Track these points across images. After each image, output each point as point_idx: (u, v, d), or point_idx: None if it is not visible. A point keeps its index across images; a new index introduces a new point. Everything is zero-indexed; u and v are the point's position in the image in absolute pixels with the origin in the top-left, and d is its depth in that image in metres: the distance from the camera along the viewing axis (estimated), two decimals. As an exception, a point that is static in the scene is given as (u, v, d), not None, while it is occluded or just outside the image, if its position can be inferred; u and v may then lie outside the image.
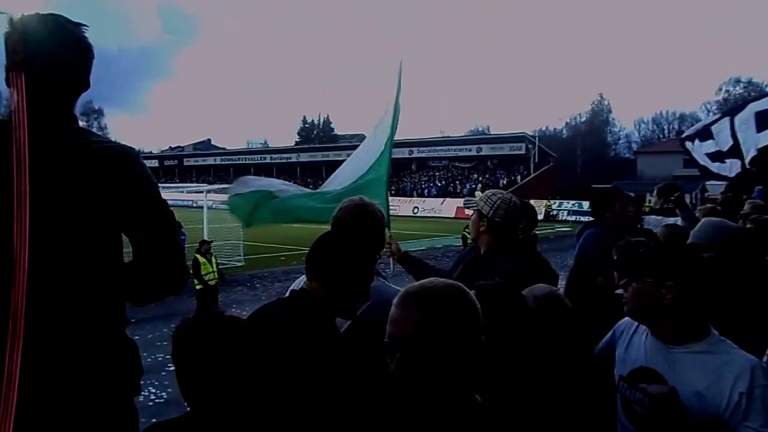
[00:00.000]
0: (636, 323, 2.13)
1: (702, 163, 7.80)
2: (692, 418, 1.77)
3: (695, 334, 1.91)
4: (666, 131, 66.36)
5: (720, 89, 61.99)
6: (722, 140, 7.48)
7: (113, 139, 1.84)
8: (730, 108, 9.25)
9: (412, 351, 1.20)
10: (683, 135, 8.79)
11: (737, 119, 7.41)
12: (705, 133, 7.86)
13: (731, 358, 1.83)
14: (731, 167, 7.39)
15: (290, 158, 61.60)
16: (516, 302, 2.05)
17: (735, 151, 7.24)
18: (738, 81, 60.73)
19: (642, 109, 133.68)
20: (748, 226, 4.22)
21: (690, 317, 1.92)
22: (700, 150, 7.89)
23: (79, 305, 1.60)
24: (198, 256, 10.94)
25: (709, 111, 62.34)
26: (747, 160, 6.94)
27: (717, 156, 7.55)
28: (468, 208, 3.27)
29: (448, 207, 41.80)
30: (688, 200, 5.77)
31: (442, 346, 1.20)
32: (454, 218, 37.37)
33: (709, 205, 6.52)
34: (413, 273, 3.48)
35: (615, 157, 64.42)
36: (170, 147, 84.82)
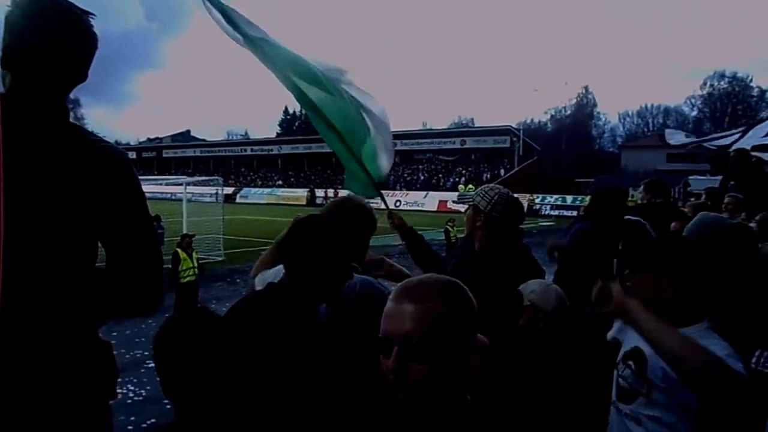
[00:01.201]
0: None
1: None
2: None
3: (687, 323, 1.97)
4: (651, 125, 66.94)
5: (705, 84, 62.90)
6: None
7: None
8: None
9: (410, 348, 1.17)
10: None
11: None
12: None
13: (707, 343, 1.85)
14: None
15: (271, 150, 61.05)
16: None
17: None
18: (723, 75, 61.87)
19: (627, 102, 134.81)
20: (751, 223, 4.28)
21: (689, 310, 1.99)
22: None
23: (50, 307, 1.53)
24: (179, 250, 10.62)
25: (693, 105, 63.27)
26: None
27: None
28: (463, 203, 3.20)
29: (431, 200, 41.82)
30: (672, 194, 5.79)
31: (439, 344, 1.17)
32: (437, 212, 37.36)
33: (696, 200, 6.92)
34: (412, 248, 3.55)
35: (599, 151, 64.87)
36: (149, 138, 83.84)
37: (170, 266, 10.64)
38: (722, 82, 61.49)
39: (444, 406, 1.21)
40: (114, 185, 1.60)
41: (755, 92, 58.46)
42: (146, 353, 8.04)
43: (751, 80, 59.80)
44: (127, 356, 7.68)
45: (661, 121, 65.36)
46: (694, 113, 63.09)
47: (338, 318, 2.09)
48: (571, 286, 2.75)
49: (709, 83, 62.20)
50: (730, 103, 59.65)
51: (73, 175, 1.53)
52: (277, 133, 79.61)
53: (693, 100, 63.85)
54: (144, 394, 6.57)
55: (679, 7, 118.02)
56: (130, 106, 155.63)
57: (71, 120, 1.65)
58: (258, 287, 2.55)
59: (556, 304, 2.56)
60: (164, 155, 69.21)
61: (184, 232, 12.55)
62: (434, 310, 1.19)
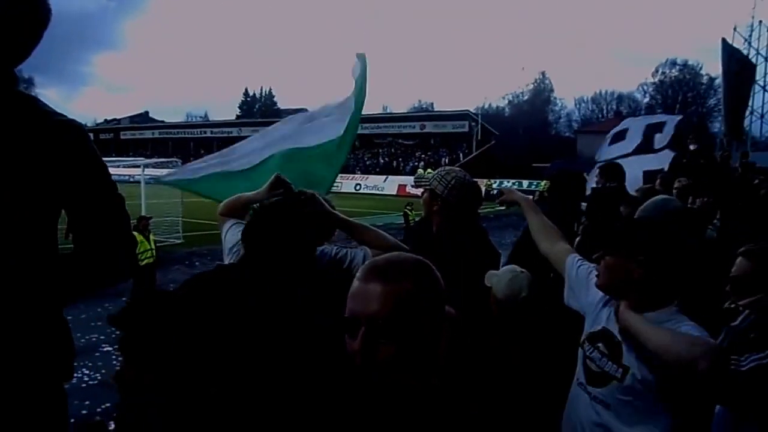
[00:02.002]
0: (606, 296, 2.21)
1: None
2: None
3: (657, 306, 2.01)
4: (605, 111, 67.98)
5: (657, 71, 63.91)
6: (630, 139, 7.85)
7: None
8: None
9: (377, 329, 1.13)
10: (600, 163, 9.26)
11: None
12: (615, 138, 8.17)
13: (677, 325, 1.92)
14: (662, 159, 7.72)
15: (231, 132, 59.84)
16: None
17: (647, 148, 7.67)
18: (674, 63, 62.69)
19: (582, 87, 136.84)
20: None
21: (657, 291, 2.01)
22: (611, 153, 7.98)
23: (11, 282, 1.49)
24: (135, 233, 10.34)
25: (645, 92, 64.35)
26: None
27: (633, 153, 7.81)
28: (419, 186, 3.15)
29: (390, 184, 41.84)
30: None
31: (408, 324, 1.14)
32: (396, 195, 37.40)
33: (648, 185, 6.60)
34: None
35: (556, 136, 65.30)
36: (105, 120, 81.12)
37: None
38: (674, 70, 62.62)
39: (411, 388, 1.18)
40: (71, 156, 1.55)
41: (705, 80, 59.73)
42: (102, 337, 7.99)
43: (701, 68, 61.11)
44: (83, 340, 7.58)
45: (614, 107, 66.26)
46: (646, 100, 64.37)
47: (312, 298, 2.02)
48: (527, 267, 2.80)
49: (660, 71, 63.38)
50: (681, 90, 60.99)
51: (23, 145, 1.48)
52: (237, 115, 78.23)
53: (645, 87, 64.75)
54: (99, 378, 6.51)
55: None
56: (86, 87, 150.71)
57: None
58: (224, 237, 2.64)
59: (507, 293, 2.63)
60: (122, 137, 67.51)
61: (142, 214, 12.29)
62: (402, 289, 1.15)
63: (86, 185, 1.59)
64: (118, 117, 79.69)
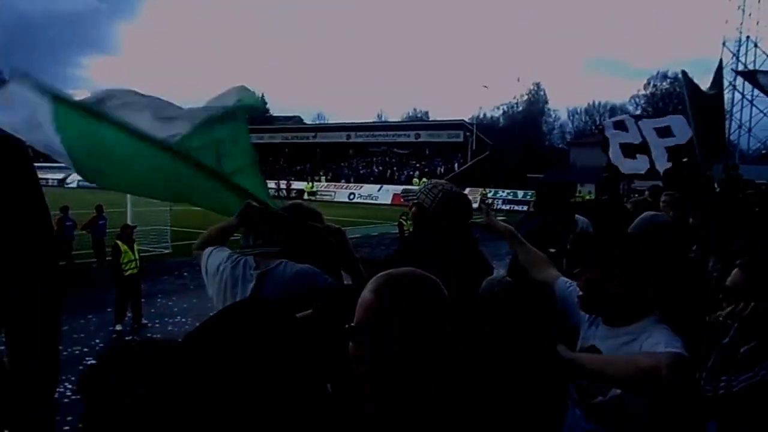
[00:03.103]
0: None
1: (613, 161, 8.27)
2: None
3: (636, 318, 2.04)
4: (598, 122, 68.22)
5: (648, 83, 64.56)
6: (633, 134, 8.21)
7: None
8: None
9: (384, 340, 1.17)
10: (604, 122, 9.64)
11: (642, 122, 8.43)
12: (620, 126, 8.55)
13: (649, 336, 1.94)
14: (640, 164, 8.05)
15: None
16: None
17: (644, 148, 8.07)
18: (665, 76, 63.72)
19: (576, 99, 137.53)
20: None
21: (638, 305, 2.04)
22: (616, 139, 8.38)
23: None
24: (119, 242, 10.17)
25: (637, 104, 65.03)
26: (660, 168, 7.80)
27: (628, 149, 8.18)
28: (408, 200, 3.10)
29: (385, 194, 41.74)
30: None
31: (415, 336, 1.18)
32: (390, 205, 37.20)
33: (638, 197, 7.01)
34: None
35: (550, 147, 65.78)
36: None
37: (110, 258, 10.42)
38: (664, 83, 63.52)
39: (413, 394, 1.20)
40: (15, 170, 1.63)
41: (695, 92, 60.39)
42: (85, 349, 7.94)
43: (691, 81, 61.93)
44: (65, 353, 7.47)
45: (607, 119, 66.61)
46: (638, 112, 64.83)
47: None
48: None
49: (652, 83, 64.13)
50: (671, 102, 61.66)
51: None
52: (228, 122, 77.88)
53: (637, 99, 65.69)
54: None
55: (626, 7, 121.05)
56: (74, 90, 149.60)
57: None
58: (205, 265, 2.71)
59: (482, 289, 2.61)
60: (108, 143, 66.84)
61: (128, 223, 12.12)
62: (409, 304, 1.19)
63: (13, 204, 1.63)
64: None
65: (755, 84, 9.83)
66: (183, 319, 9.98)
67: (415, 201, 2.96)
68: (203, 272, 2.77)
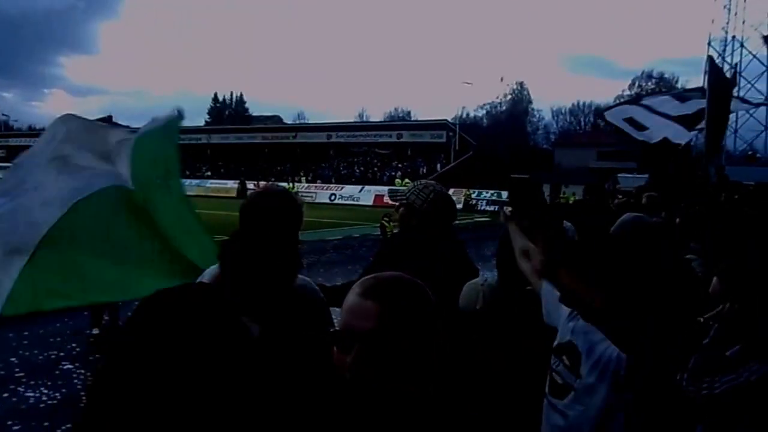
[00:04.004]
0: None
1: (626, 130, 8.27)
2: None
3: None
4: (582, 123, 68.87)
5: (633, 83, 65.22)
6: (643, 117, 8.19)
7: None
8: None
9: (372, 346, 1.15)
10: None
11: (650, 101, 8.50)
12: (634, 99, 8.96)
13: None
14: (653, 134, 8.01)
15: (200, 139, 58.91)
16: None
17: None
18: (650, 76, 64.67)
19: (560, 99, 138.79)
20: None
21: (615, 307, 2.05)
22: (622, 114, 8.46)
23: None
24: None
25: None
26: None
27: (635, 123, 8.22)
28: (396, 200, 3.07)
29: (366, 195, 41.58)
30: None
31: (404, 341, 1.16)
32: (372, 206, 37.19)
33: (621, 198, 7.31)
34: None
35: (534, 148, 65.99)
36: (67, 125, 79.36)
37: None
38: (650, 83, 64.29)
39: (406, 397, 1.19)
40: None
41: (680, 93, 60.91)
42: (61, 353, 7.61)
43: (677, 81, 62.38)
44: (41, 357, 7.21)
45: (591, 120, 67.52)
46: (623, 112, 65.16)
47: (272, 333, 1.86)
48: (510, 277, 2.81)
49: (637, 83, 64.67)
50: (657, 103, 62.09)
51: None
52: (205, 121, 77.48)
53: (621, 99, 65.81)
54: (59, 397, 6.05)
55: (611, 5, 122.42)
56: (50, 89, 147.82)
57: None
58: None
59: (462, 303, 2.68)
60: (84, 142, 65.66)
61: None
62: (399, 308, 1.18)
63: None
64: (80, 121, 77.96)
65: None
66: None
67: (404, 201, 2.93)
68: None
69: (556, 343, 2.33)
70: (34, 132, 79.01)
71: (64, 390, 6.24)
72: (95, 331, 8.94)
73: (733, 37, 52.45)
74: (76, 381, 6.50)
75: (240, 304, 1.70)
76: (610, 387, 2.05)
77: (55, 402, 5.99)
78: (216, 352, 1.57)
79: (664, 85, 62.69)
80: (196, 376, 1.53)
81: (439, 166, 46.61)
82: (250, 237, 1.77)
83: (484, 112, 70.62)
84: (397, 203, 3.05)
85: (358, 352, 1.16)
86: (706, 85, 8.20)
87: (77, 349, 7.98)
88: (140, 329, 1.57)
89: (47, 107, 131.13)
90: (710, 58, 8.73)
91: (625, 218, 3.34)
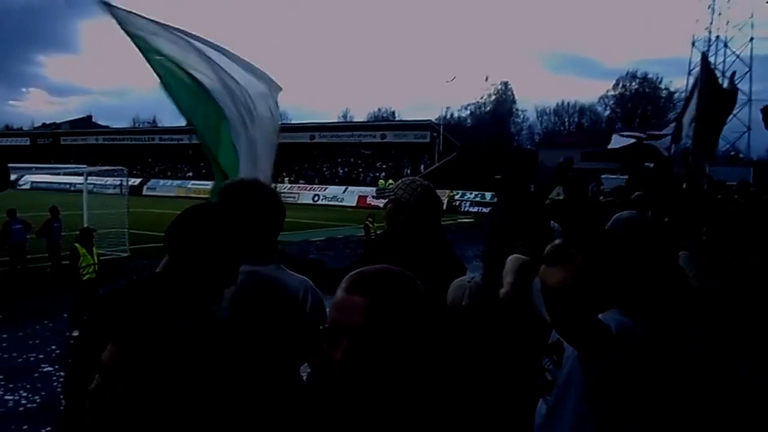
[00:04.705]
0: None
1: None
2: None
3: (601, 311, 2.07)
4: (567, 123, 68.93)
5: (617, 83, 65.15)
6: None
7: None
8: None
9: (360, 341, 1.15)
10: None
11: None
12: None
13: (604, 317, 2.00)
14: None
15: (182, 140, 58.31)
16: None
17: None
18: (634, 76, 64.32)
19: (545, 99, 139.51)
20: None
21: (602, 299, 2.08)
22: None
23: None
24: (78, 245, 9.74)
25: (606, 105, 65.51)
26: None
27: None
28: (382, 197, 3.12)
29: (350, 195, 41.50)
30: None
31: (393, 337, 1.16)
32: (356, 207, 37.21)
33: (604, 198, 7.42)
34: None
35: (518, 148, 65.54)
36: (44, 124, 77.92)
37: (68, 262, 10.01)
38: (633, 83, 64.02)
39: (390, 401, 1.19)
40: None
41: (664, 93, 61.21)
42: (41, 356, 7.60)
43: (660, 81, 62.52)
44: (20, 360, 7.24)
45: (576, 120, 67.63)
46: (607, 113, 65.41)
47: (239, 317, 2.01)
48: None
49: (621, 83, 64.62)
50: (641, 103, 62.22)
51: None
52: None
53: (606, 100, 65.83)
54: (38, 400, 6.06)
55: (597, 5, 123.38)
56: (29, 88, 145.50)
57: None
58: None
59: (450, 299, 2.69)
60: (62, 142, 64.42)
61: (85, 225, 11.75)
62: (386, 302, 1.17)
63: None
64: (57, 121, 76.85)
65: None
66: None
67: (392, 197, 2.95)
68: None
69: (549, 342, 2.36)
70: (10, 131, 78.03)
71: (43, 393, 6.19)
72: (75, 333, 8.84)
73: (717, 37, 52.91)
74: (56, 384, 6.44)
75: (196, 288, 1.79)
76: (581, 382, 2.07)
77: (34, 405, 5.96)
78: (186, 335, 1.63)
79: (647, 86, 62.97)
80: (172, 366, 1.57)
81: (423, 166, 46.62)
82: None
83: (468, 112, 70.45)
84: (385, 201, 3.06)
85: (347, 347, 1.15)
86: (690, 85, 8.42)
87: (57, 351, 7.90)
88: (110, 322, 1.62)
89: (26, 106, 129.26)
90: (703, 55, 8.93)
91: (617, 216, 3.42)
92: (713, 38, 52.69)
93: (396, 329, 1.16)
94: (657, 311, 2.27)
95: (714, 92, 7.88)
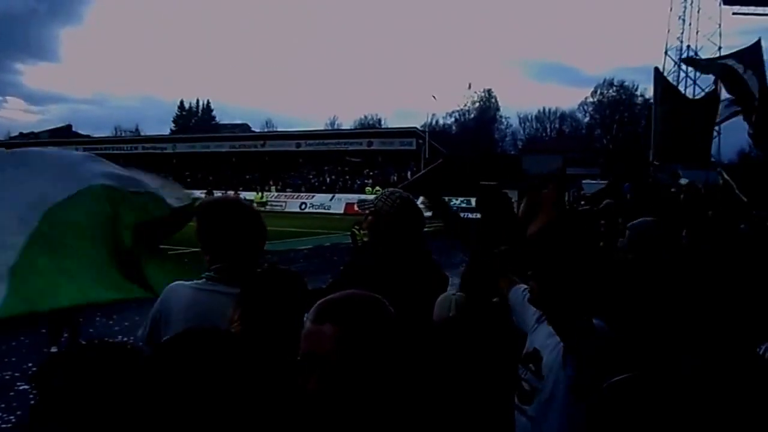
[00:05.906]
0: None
1: None
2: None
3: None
4: (549, 129, 69.89)
5: (596, 91, 66.76)
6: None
7: None
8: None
9: (331, 370, 1.15)
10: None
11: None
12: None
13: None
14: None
15: (165, 149, 58.08)
16: None
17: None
18: (611, 84, 65.98)
19: (527, 106, 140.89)
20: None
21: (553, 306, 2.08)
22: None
23: None
24: None
25: (585, 111, 66.62)
26: None
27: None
28: (364, 209, 3.15)
29: (337, 203, 41.66)
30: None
31: (365, 364, 1.15)
32: (343, 214, 37.23)
33: (584, 204, 7.60)
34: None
35: (502, 154, 66.42)
36: (21, 134, 76.95)
37: None
38: (611, 90, 65.64)
39: (368, 423, 1.17)
40: None
41: (639, 101, 62.47)
42: (16, 374, 7.34)
43: (636, 89, 63.83)
44: None
45: (557, 126, 68.89)
46: (587, 119, 66.64)
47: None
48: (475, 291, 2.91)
49: (599, 91, 66.03)
50: (618, 110, 63.36)
51: None
52: (171, 129, 76.47)
53: (585, 107, 67.44)
54: (14, 420, 5.92)
55: (575, 13, 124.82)
56: (5, 96, 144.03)
57: None
58: None
59: (436, 312, 2.76)
60: (41, 153, 64.02)
61: None
62: (355, 329, 1.16)
63: None
64: (35, 131, 76.51)
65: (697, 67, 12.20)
66: (124, 338, 9.34)
67: (372, 209, 3.00)
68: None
69: (523, 353, 2.38)
70: (-13, 141, 76.86)
71: (19, 412, 5.99)
72: (54, 349, 8.62)
73: (688, 46, 54.55)
74: (33, 403, 6.21)
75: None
76: (567, 390, 2.08)
77: (9, 426, 5.79)
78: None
79: (624, 93, 64.00)
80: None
81: (409, 173, 46.72)
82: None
83: (453, 119, 71.11)
84: (366, 212, 3.11)
85: (319, 376, 1.15)
86: (653, 93, 8.81)
87: (34, 369, 7.67)
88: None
89: (2, 114, 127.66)
90: (656, 69, 9.42)
91: (640, 224, 3.62)
92: (684, 47, 54.19)
93: (368, 356, 1.16)
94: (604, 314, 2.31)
95: (677, 101, 8.28)
